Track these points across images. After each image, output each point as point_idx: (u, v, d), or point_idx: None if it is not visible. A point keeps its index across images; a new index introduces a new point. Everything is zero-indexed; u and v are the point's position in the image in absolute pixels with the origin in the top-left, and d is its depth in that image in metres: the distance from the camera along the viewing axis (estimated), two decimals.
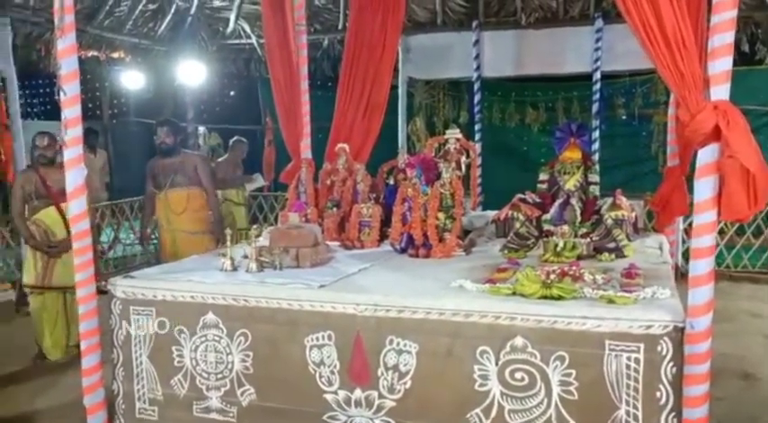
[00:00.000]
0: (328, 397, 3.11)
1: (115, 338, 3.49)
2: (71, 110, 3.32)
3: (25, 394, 4.83)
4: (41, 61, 8.64)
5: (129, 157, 12.90)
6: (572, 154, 4.15)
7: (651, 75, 9.11)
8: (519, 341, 2.80)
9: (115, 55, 10.08)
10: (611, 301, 2.78)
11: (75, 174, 3.39)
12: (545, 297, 2.86)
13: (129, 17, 9.23)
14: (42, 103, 13.68)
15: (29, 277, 5.41)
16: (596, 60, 7.76)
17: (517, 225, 3.97)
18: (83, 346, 3.47)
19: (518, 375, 2.81)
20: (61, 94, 3.32)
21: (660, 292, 2.86)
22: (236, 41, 10.26)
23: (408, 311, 2.96)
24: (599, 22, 7.69)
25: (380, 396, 3.02)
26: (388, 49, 5.38)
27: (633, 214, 4.00)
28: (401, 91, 8.82)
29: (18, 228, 5.45)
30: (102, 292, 3.54)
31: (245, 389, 3.26)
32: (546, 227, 3.92)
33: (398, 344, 2.98)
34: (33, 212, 5.33)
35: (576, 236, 3.79)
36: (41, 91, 13.57)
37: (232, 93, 14.59)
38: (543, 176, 4.24)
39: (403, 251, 4.03)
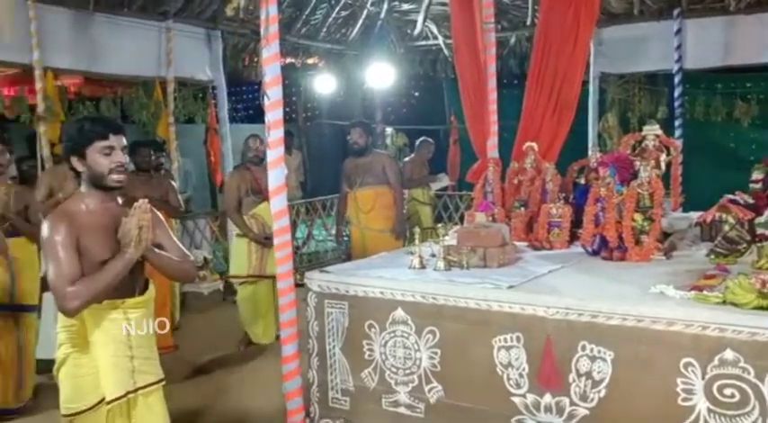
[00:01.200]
0: (516, 400, 3.04)
1: (310, 329, 3.66)
2: (274, 113, 3.51)
3: (230, 377, 5.26)
4: (245, 70, 9.38)
5: (321, 157, 13.58)
6: None
7: None
8: (729, 355, 2.56)
9: (310, 61, 10.69)
10: None
11: (277, 173, 3.58)
12: (761, 308, 2.59)
13: (323, 24, 9.74)
14: (246, 108, 14.76)
15: (241, 268, 5.79)
16: None
17: (726, 228, 3.65)
18: (282, 335, 3.66)
19: (728, 392, 2.57)
20: (265, 99, 3.54)
21: None
22: (423, 43, 10.46)
23: (603, 317, 2.82)
24: None
25: (572, 403, 2.90)
26: (580, 43, 5.14)
27: None
28: (592, 87, 8.53)
29: (235, 222, 5.88)
30: (298, 284, 3.74)
31: (432, 386, 3.28)
32: (760, 231, 3.55)
33: (592, 350, 2.84)
34: (250, 207, 5.75)
35: None
36: (245, 97, 14.64)
37: (417, 93, 14.84)
38: (757, 175, 3.88)
39: (595, 253, 3.85)
